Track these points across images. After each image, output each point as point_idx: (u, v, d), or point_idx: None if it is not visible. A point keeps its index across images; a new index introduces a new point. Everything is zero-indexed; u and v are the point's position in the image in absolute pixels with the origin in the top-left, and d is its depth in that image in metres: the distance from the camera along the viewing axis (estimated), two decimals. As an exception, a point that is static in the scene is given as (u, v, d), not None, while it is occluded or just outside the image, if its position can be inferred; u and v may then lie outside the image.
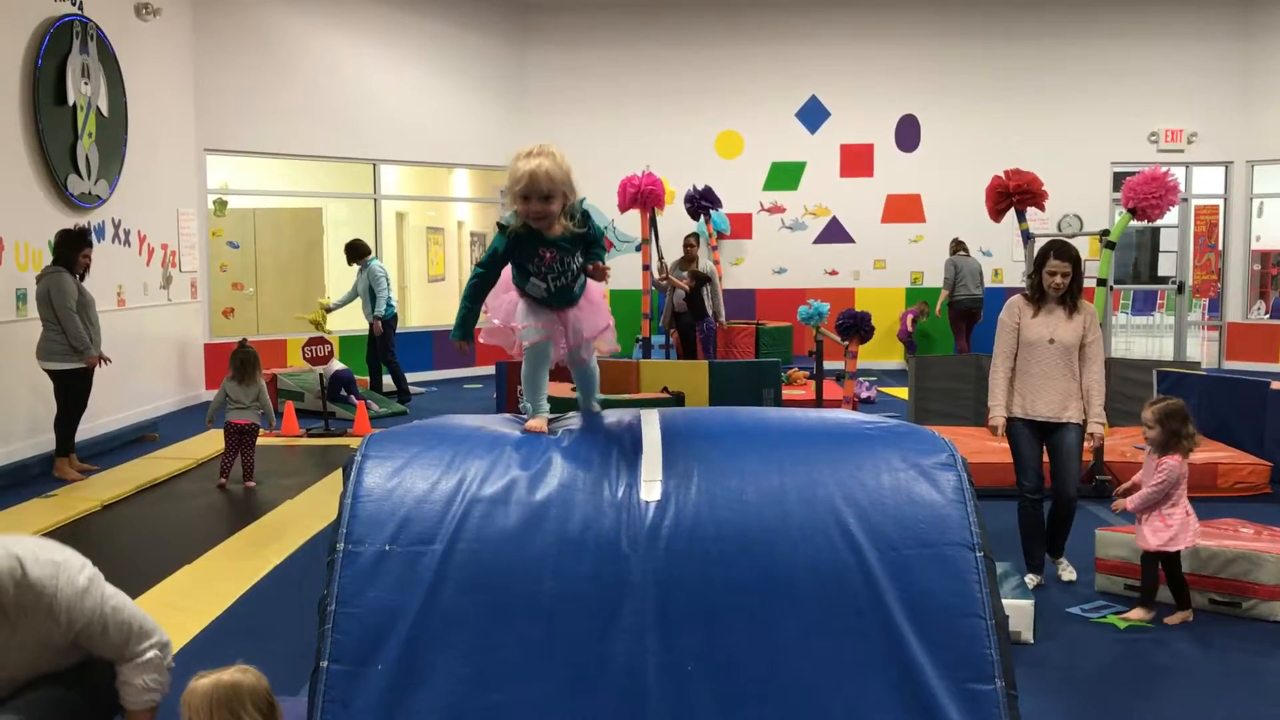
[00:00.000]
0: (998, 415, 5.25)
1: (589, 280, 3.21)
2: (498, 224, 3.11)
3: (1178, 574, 4.82)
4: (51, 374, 7.75)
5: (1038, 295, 5.24)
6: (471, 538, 2.67)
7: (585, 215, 3.08)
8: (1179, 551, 4.78)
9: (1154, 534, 4.77)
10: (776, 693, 2.54)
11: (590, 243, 3.11)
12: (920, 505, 2.73)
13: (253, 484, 7.55)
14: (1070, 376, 5.17)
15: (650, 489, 2.78)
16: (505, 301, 3.20)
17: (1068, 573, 5.37)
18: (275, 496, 7.26)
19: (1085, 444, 5.23)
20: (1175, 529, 4.74)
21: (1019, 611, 4.45)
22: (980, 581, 2.63)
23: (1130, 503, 4.83)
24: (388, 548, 2.66)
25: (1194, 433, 4.85)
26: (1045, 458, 5.27)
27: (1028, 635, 4.52)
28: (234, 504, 7.20)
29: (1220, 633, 4.70)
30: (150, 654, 2.88)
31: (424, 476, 2.78)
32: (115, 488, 7.41)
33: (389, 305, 11.47)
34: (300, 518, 6.67)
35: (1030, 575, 5.25)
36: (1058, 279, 5.15)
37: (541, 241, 3.03)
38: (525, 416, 3.20)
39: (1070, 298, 5.19)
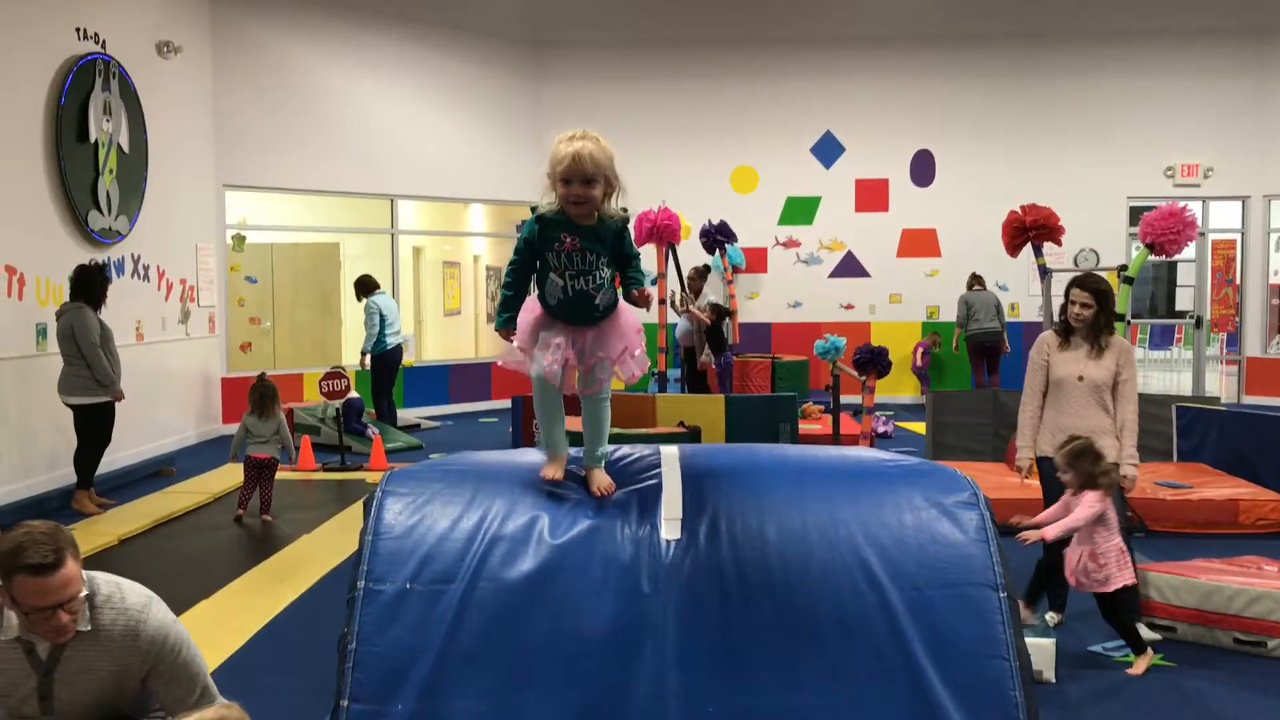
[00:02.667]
0: (1025, 456, 5.20)
1: (622, 307, 3.08)
2: (531, 209, 3.01)
3: (1119, 617, 4.67)
4: (74, 409, 7.79)
5: (1064, 329, 5.22)
6: (492, 576, 2.67)
7: (626, 220, 3.00)
8: (1117, 593, 4.65)
9: (1087, 577, 4.65)
10: (799, 734, 2.52)
11: (624, 260, 3.00)
12: (943, 545, 2.72)
13: (269, 517, 7.55)
14: (1103, 413, 5.09)
15: (671, 528, 2.77)
16: (524, 322, 3.05)
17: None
18: (292, 531, 7.26)
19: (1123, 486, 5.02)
20: (1109, 568, 4.61)
21: (1040, 650, 4.40)
22: (1004, 622, 2.61)
23: (1049, 532, 4.63)
24: (408, 586, 2.65)
25: (1109, 468, 4.72)
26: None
27: (1049, 674, 4.48)
28: (251, 538, 7.21)
29: (1246, 672, 4.64)
30: None
31: (445, 514, 2.78)
32: (133, 522, 7.42)
33: (380, 341, 11.47)
34: (317, 553, 6.67)
35: (1051, 613, 5.20)
36: (1076, 308, 5.12)
37: (566, 227, 2.92)
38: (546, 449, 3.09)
39: (1094, 334, 5.15)
